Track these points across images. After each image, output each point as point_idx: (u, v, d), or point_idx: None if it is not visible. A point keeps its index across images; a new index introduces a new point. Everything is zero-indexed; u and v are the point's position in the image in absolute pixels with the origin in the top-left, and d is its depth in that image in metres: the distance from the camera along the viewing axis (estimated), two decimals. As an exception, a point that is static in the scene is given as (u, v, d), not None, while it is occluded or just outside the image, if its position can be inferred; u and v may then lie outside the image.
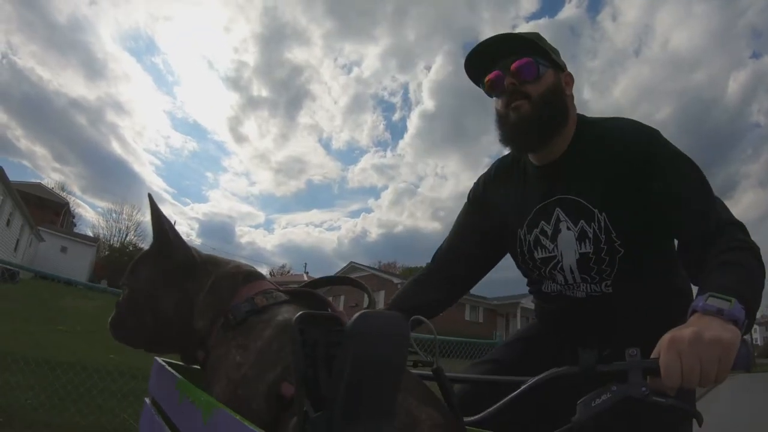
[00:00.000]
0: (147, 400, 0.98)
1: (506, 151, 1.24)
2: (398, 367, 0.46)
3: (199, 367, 0.88)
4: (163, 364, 0.95)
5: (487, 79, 1.13)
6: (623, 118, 1.11)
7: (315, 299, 0.91)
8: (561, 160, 1.11)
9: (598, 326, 1.15)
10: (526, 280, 1.31)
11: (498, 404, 0.87)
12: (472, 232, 1.29)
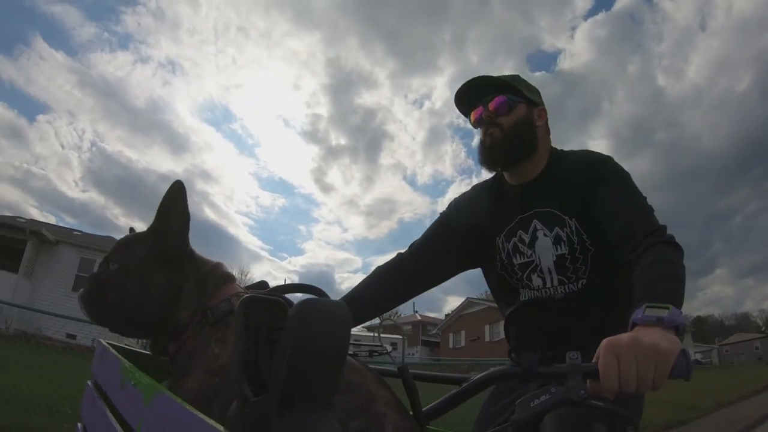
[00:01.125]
0: (89, 382, 0.96)
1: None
2: (339, 355, 0.46)
3: (166, 358, 0.89)
4: (107, 346, 0.93)
5: (472, 115, 1.38)
6: (586, 149, 1.37)
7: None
8: (538, 180, 1.31)
9: (574, 328, 1.22)
10: (500, 297, 1.43)
11: (440, 399, 0.89)
12: (442, 241, 1.42)
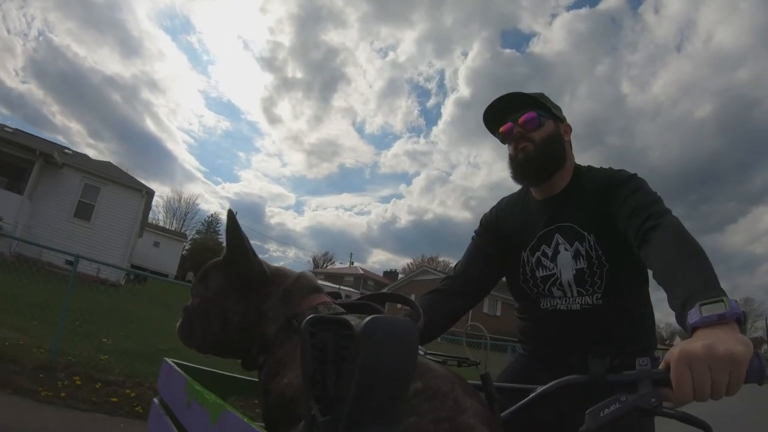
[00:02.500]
0: (155, 400, 0.99)
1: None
2: (406, 374, 0.45)
3: (255, 370, 0.91)
4: (173, 365, 0.96)
5: (501, 129, 1.41)
6: (610, 168, 1.39)
7: (370, 311, 0.94)
8: (560, 195, 1.37)
9: (590, 337, 1.29)
10: (521, 304, 1.50)
11: (507, 410, 0.87)
12: (483, 255, 1.51)
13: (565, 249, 1.31)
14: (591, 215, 1.29)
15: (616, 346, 1.20)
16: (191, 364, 1.03)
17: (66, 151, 19.29)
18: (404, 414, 0.63)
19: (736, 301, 0.78)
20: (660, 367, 0.77)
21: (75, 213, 16.75)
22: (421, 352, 0.88)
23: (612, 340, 1.27)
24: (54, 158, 16.31)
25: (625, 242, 1.17)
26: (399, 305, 0.99)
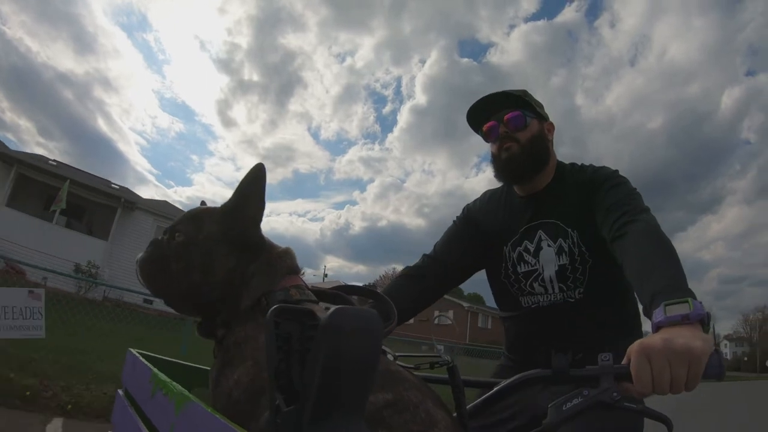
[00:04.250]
0: (120, 391, 0.97)
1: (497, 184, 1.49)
2: (371, 364, 0.46)
3: (211, 339, 0.84)
4: (137, 355, 0.94)
5: (484, 127, 1.41)
6: (591, 165, 1.40)
7: (340, 302, 0.91)
8: (544, 192, 1.37)
9: (570, 333, 1.29)
10: (501, 301, 1.49)
11: (474, 402, 0.88)
12: (460, 245, 1.49)
13: (548, 245, 1.32)
14: (574, 211, 1.30)
15: (601, 339, 1.22)
16: (156, 355, 1.01)
17: (113, 185, 20.01)
18: (375, 426, 0.62)
19: (701, 302, 0.80)
20: (623, 362, 0.79)
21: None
22: (390, 357, 0.87)
23: (595, 333, 1.27)
24: (134, 203, 17.48)
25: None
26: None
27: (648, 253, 0.98)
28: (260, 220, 0.85)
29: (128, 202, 17.49)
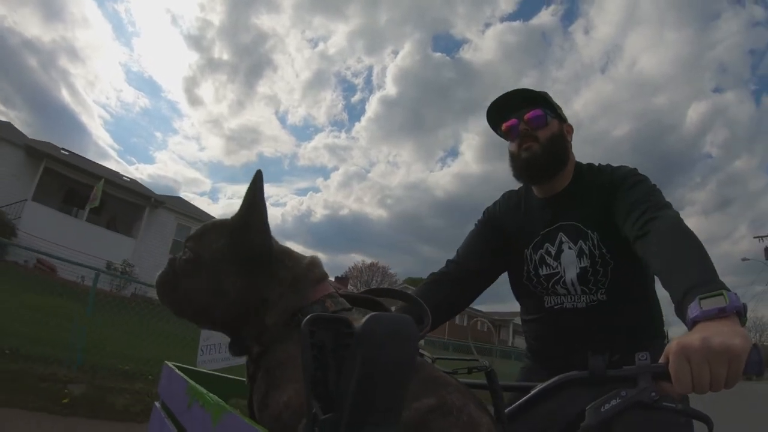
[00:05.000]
0: (156, 403, 0.99)
1: (515, 185, 1.51)
2: (407, 370, 0.46)
3: (245, 356, 0.82)
4: (173, 368, 0.96)
5: (504, 125, 1.39)
6: (609, 164, 1.38)
7: (378, 308, 0.89)
8: (563, 193, 1.35)
9: (595, 333, 1.28)
10: (524, 302, 1.48)
11: (510, 407, 0.88)
12: (485, 248, 1.48)
13: (569, 248, 1.31)
14: (594, 213, 1.28)
15: (624, 341, 1.21)
16: (192, 368, 1.03)
17: (125, 178, 20.76)
18: (419, 430, 0.62)
19: (735, 294, 0.78)
20: (660, 361, 0.77)
21: (170, 250, 17.46)
22: (429, 360, 0.86)
23: (619, 335, 1.26)
24: (162, 203, 18.28)
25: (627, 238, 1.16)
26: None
27: (675, 248, 0.96)
28: (268, 230, 0.81)
29: (157, 201, 18.03)
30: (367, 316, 0.45)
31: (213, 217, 1.12)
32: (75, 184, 17.03)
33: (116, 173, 19.98)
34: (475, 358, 0.89)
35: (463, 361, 0.91)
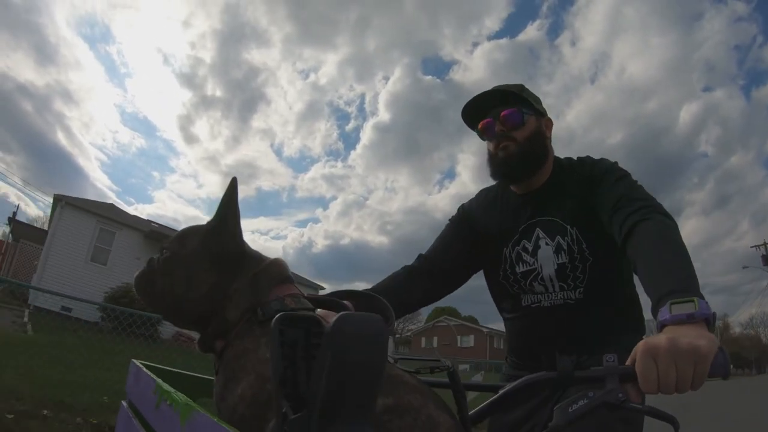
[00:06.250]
0: (124, 402, 0.97)
1: (490, 183, 1.47)
2: (377, 369, 0.46)
3: (211, 353, 0.86)
4: (141, 366, 0.94)
5: (480, 125, 1.35)
6: (588, 156, 1.36)
7: (340, 309, 0.90)
8: (541, 189, 1.33)
9: (572, 333, 1.27)
10: (501, 302, 1.46)
11: (480, 407, 0.88)
12: (456, 246, 1.44)
13: (546, 243, 1.29)
14: (573, 208, 1.27)
15: (604, 339, 1.21)
16: (160, 366, 1.01)
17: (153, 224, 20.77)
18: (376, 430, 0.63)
19: (706, 302, 0.80)
20: (627, 362, 0.79)
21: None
22: (391, 360, 0.86)
23: (598, 333, 1.25)
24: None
25: (609, 235, 1.15)
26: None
27: (657, 253, 0.96)
28: (238, 233, 0.88)
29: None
30: (337, 316, 0.44)
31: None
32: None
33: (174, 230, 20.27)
34: (437, 358, 0.89)
35: (426, 361, 0.91)
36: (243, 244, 0.89)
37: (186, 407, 0.66)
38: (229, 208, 0.87)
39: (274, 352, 0.48)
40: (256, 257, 0.90)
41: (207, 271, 0.85)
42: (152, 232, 16.49)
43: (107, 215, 17.48)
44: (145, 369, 0.91)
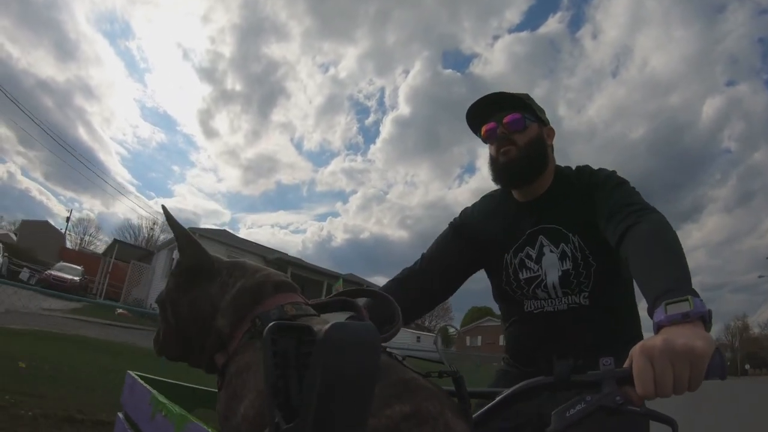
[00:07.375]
0: (120, 414, 0.96)
1: (493, 187, 1.47)
2: (370, 378, 0.45)
3: (216, 374, 0.84)
4: (136, 378, 0.94)
5: (483, 129, 1.38)
6: (588, 165, 1.38)
7: (349, 306, 0.91)
8: (543, 197, 1.35)
9: (574, 338, 1.28)
10: (503, 305, 1.47)
11: (479, 412, 0.88)
12: (455, 251, 1.46)
13: (551, 251, 1.30)
14: (575, 216, 1.29)
15: (606, 344, 1.20)
16: (155, 377, 1.01)
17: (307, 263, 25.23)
18: None
19: (701, 300, 0.80)
20: (624, 365, 0.78)
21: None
22: (398, 358, 0.85)
23: (601, 338, 1.26)
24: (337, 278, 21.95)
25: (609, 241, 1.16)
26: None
27: (651, 255, 0.97)
28: (195, 245, 0.89)
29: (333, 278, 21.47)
30: (329, 325, 0.44)
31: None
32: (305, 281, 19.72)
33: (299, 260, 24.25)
34: (444, 365, 0.88)
35: (432, 363, 0.90)
36: (206, 255, 0.90)
37: (181, 418, 0.66)
38: (174, 228, 0.89)
39: (266, 362, 0.48)
40: (239, 267, 0.90)
41: (184, 291, 0.88)
42: (277, 260, 18.47)
43: (233, 244, 18.52)
44: (140, 381, 0.91)
